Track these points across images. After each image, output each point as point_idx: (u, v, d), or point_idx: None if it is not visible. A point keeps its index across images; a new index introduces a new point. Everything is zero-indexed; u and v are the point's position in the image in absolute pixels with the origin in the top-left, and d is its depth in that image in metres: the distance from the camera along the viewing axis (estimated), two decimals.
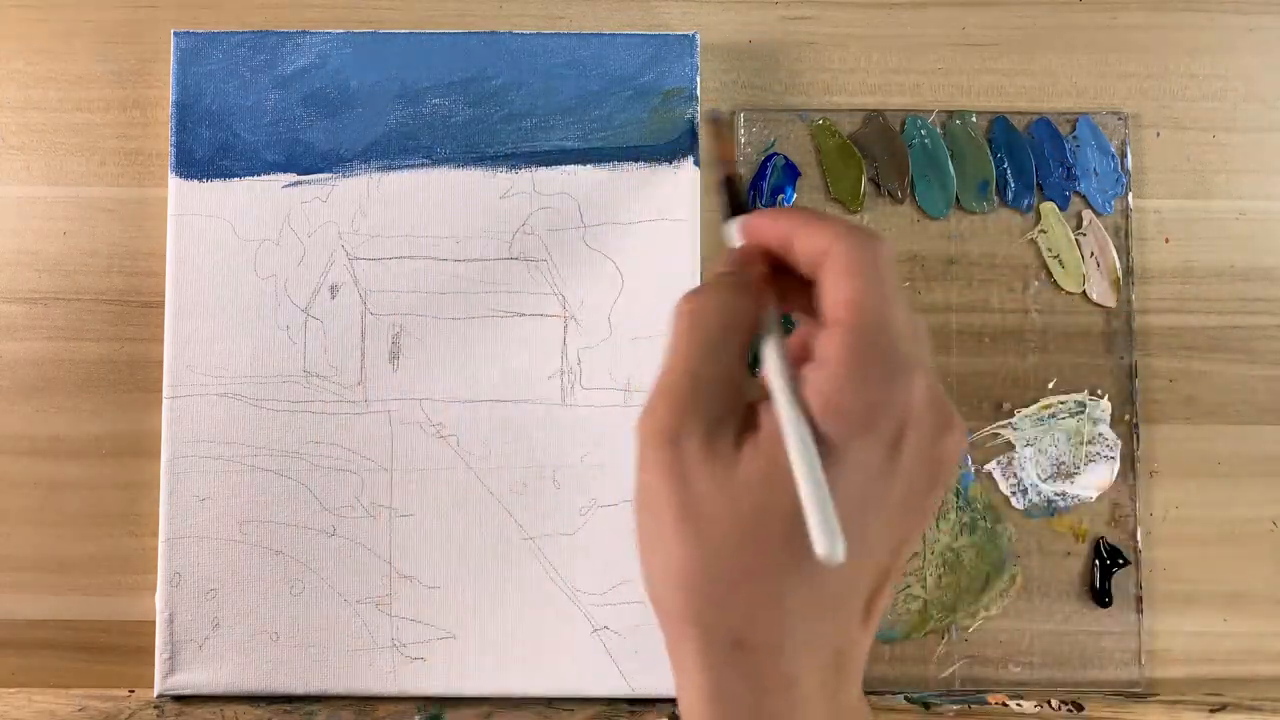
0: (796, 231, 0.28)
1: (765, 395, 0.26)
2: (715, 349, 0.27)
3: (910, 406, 0.25)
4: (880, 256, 0.27)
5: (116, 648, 0.48)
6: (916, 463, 0.25)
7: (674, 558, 0.25)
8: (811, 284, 0.28)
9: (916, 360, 0.25)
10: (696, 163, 0.48)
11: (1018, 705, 0.46)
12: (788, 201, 0.49)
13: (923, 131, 0.50)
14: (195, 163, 0.48)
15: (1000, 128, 0.50)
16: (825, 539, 0.23)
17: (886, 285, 0.26)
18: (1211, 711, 0.46)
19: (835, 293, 0.26)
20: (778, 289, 0.29)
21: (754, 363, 0.27)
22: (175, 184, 0.48)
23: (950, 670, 0.48)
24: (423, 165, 0.48)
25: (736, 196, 0.33)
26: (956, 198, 0.50)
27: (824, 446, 0.25)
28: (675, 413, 0.26)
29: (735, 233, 0.31)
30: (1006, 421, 0.49)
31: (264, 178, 0.48)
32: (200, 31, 0.48)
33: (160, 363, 0.47)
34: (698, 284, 0.27)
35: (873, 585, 0.26)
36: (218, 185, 0.48)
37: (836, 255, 0.27)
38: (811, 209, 0.31)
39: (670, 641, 0.27)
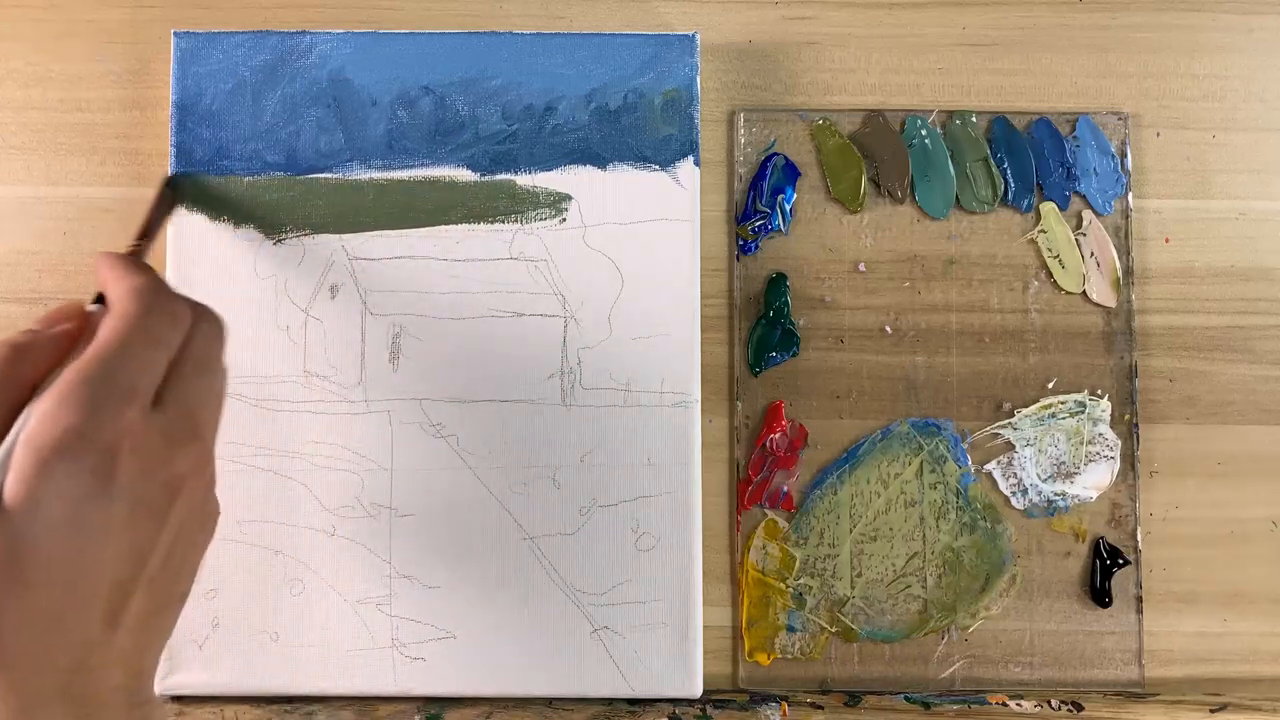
0: (103, 277, 0.33)
1: None
2: None
3: (118, 432, 0.27)
4: (146, 302, 0.31)
5: None
6: (141, 480, 0.28)
7: None
8: None
9: (125, 392, 0.28)
10: (697, 162, 0.48)
11: (1018, 705, 0.46)
12: (788, 201, 0.49)
13: (923, 131, 0.50)
14: (195, 163, 0.48)
15: (1000, 128, 0.50)
16: None
17: (130, 325, 0.30)
18: (1211, 711, 0.46)
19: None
20: None
21: None
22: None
23: (950, 670, 0.48)
24: (422, 165, 0.48)
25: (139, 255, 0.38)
26: (956, 198, 0.50)
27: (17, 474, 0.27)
28: None
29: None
30: (1006, 421, 0.49)
31: (264, 177, 0.48)
32: (200, 31, 0.48)
33: None
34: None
35: (110, 594, 0.28)
36: (217, 185, 0.48)
37: (111, 299, 0.32)
38: (129, 259, 0.35)
39: None
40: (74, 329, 0.32)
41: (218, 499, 0.32)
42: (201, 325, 0.33)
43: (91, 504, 0.27)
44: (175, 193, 0.46)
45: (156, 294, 0.32)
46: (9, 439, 0.28)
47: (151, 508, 0.29)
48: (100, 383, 0.28)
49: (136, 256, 0.38)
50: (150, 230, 0.43)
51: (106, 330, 0.30)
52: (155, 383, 0.30)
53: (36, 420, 0.27)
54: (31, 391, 0.30)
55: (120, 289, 0.32)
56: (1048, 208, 0.50)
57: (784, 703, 0.46)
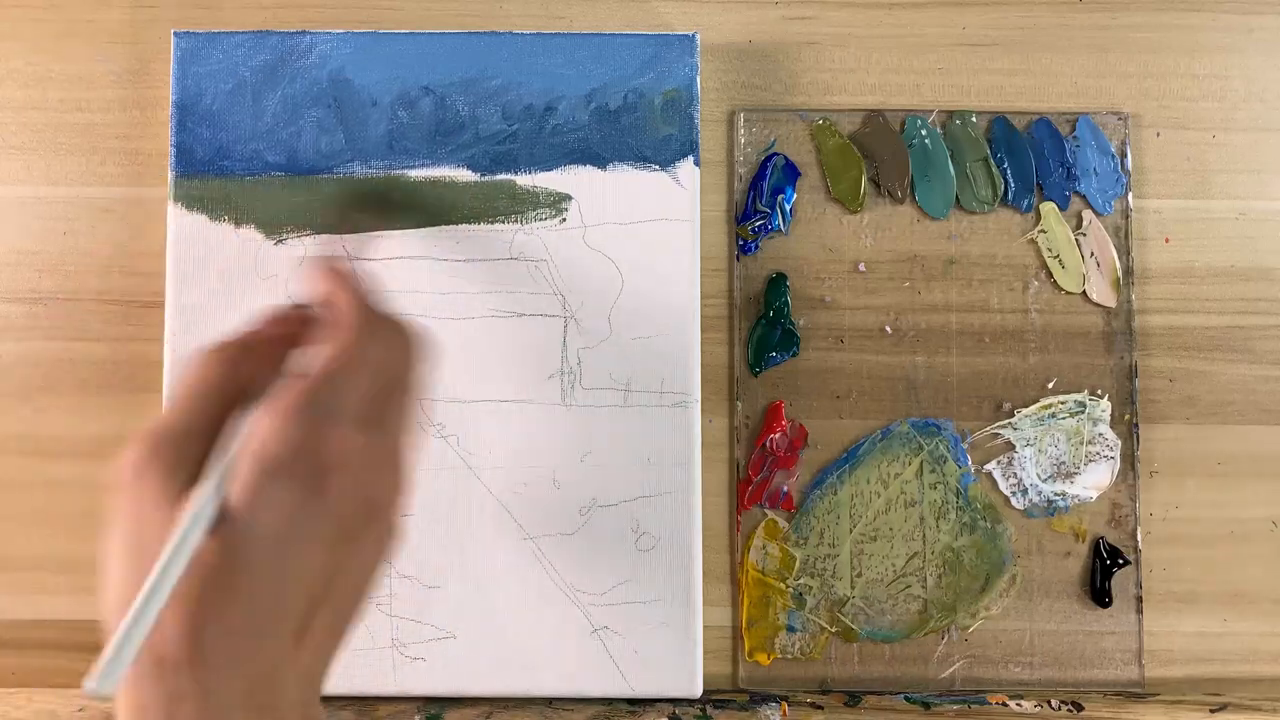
0: (325, 288, 0.33)
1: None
2: (189, 405, 0.30)
3: (332, 453, 0.28)
4: (371, 324, 0.31)
5: None
6: (346, 502, 0.29)
7: (112, 583, 0.28)
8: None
9: (342, 414, 0.29)
10: (697, 162, 0.48)
11: (1018, 705, 0.46)
12: (788, 201, 0.49)
13: (923, 131, 0.50)
14: (195, 162, 0.48)
15: (1000, 128, 0.50)
16: (99, 677, 0.25)
17: (355, 346, 0.30)
18: (1211, 711, 0.46)
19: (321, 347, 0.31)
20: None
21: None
22: (175, 184, 0.47)
23: (950, 670, 0.48)
24: (422, 165, 0.48)
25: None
26: (956, 198, 0.50)
27: (235, 489, 0.28)
28: (142, 452, 0.29)
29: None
30: (1006, 421, 0.49)
31: (264, 177, 0.48)
32: (200, 31, 0.48)
33: (160, 363, 0.47)
34: (225, 340, 0.32)
35: (303, 609, 0.28)
36: (218, 185, 0.48)
37: (340, 317, 0.32)
38: (352, 272, 0.35)
39: None
40: (292, 334, 0.32)
41: (403, 525, 0.32)
42: (414, 350, 0.33)
43: (302, 520, 0.28)
44: (388, 199, 0.47)
45: (382, 317, 0.32)
46: (233, 450, 0.29)
47: (349, 530, 0.29)
48: (325, 403, 0.29)
49: (352, 266, 0.37)
50: (368, 236, 0.45)
51: (334, 347, 0.30)
52: (367, 405, 0.31)
53: (264, 434, 0.28)
54: (246, 388, 0.30)
55: (349, 307, 0.32)
56: (1048, 208, 0.50)
57: (784, 703, 0.46)
